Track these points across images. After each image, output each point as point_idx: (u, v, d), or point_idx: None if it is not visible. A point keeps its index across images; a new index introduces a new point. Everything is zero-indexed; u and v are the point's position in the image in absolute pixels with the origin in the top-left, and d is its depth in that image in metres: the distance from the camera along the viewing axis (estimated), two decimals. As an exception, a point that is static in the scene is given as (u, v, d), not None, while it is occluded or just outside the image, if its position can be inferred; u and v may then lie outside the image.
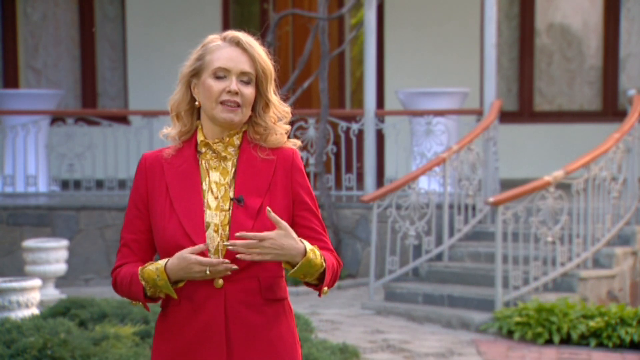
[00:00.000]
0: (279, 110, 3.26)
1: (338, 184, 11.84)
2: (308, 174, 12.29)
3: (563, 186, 9.45)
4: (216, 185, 3.21)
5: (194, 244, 3.11)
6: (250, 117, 3.23)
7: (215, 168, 3.23)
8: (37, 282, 7.57)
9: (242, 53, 3.20)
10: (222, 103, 3.17)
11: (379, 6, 11.90)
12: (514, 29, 14.25)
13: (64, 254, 9.89)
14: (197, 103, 3.23)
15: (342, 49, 12.41)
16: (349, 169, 11.97)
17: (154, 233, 3.22)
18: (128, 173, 11.76)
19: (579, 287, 9.35)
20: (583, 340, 8.50)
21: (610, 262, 9.64)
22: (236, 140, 3.23)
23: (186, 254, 3.06)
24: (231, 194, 3.19)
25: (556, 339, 8.48)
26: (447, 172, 10.23)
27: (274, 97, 3.24)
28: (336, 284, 10.74)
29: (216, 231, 3.15)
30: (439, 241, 10.36)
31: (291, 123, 3.31)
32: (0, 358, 6.16)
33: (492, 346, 8.46)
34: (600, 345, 8.43)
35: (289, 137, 3.30)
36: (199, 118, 3.26)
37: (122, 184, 11.97)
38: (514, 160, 13.52)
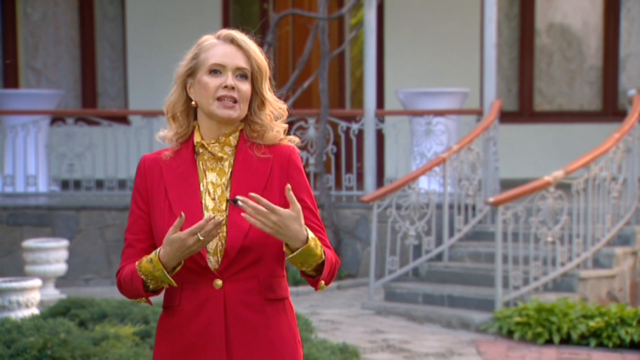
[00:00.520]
0: (275, 107, 3.26)
1: (338, 184, 11.84)
2: (308, 174, 12.23)
3: (563, 186, 9.45)
4: (213, 186, 3.21)
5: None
6: (247, 115, 3.23)
7: (212, 169, 3.23)
8: (37, 282, 7.57)
9: (236, 49, 3.20)
10: (219, 99, 3.17)
11: (379, 6, 11.91)
12: (514, 29, 14.25)
13: (64, 254, 9.89)
14: (193, 103, 3.23)
15: (342, 49, 12.42)
16: (349, 169, 11.98)
17: (155, 234, 3.22)
18: (128, 173, 11.76)
19: (579, 287, 9.35)
20: (583, 340, 8.50)
21: (610, 262, 9.65)
22: (233, 140, 3.23)
23: (173, 235, 3.04)
24: (228, 195, 3.19)
25: (556, 339, 8.48)
26: (447, 172, 10.23)
27: (269, 94, 3.24)
28: (336, 284, 10.81)
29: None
30: (439, 241, 10.36)
31: (291, 123, 3.32)
32: (0, 358, 6.16)
33: (492, 346, 8.46)
34: (600, 345, 8.43)
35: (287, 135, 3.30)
36: (195, 119, 3.26)
37: (122, 184, 11.97)
38: (514, 160, 13.52)
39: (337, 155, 11.79)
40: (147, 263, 3.12)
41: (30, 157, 12.09)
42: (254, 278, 3.17)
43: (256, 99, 3.23)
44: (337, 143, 11.80)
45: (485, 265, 9.91)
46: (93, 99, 14.50)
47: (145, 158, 3.29)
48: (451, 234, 10.31)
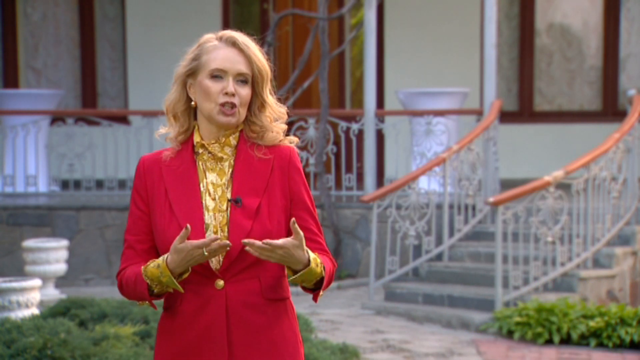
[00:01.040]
0: (275, 110, 3.25)
1: (338, 184, 11.84)
2: (308, 174, 12.24)
3: (563, 186, 9.45)
4: (213, 186, 3.21)
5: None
6: (246, 116, 3.23)
7: (212, 169, 3.22)
8: (37, 282, 7.57)
9: (238, 53, 3.19)
10: (220, 105, 3.16)
11: (379, 6, 11.90)
12: (514, 29, 14.25)
13: (64, 254, 9.89)
14: (193, 103, 3.23)
15: (342, 49, 12.41)
16: (349, 169, 11.97)
17: (155, 235, 3.22)
18: (128, 173, 11.76)
19: (579, 287, 9.35)
20: (583, 340, 8.50)
21: (610, 262, 9.65)
22: (232, 140, 3.23)
23: (180, 245, 3.05)
24: (228, 195, 3.18)
25: (556, 339, 8.48)
26: (447, 172, 10.23)
27: (269, 97, 3.24)
28: (336, 284, 10.81)
29: (215, 232, 3.15)
30: (439, 241, 10.36)
31: (291, 123, 3.32)
32: (0, 358, 6.16)
33: (492, 346, 8.46)
34: (600, 345, 8.43)
35: (287, 137, 3.30)
36: (195, 118, 3.26)
37: (122, 184, 11.97)
38: (514, 160, 13.52)
39: (337, 155, 11.78)
40: (154, 268, 3.12)
41: (30, 157, 12.09)
42: (255, 278, 3.17)
43: (256, 101, 3.23)
44: (337, 143, 11.80)
45: (485, 265, 9.91)
46: (93, 99, 14.49)
47: (144, 159, 3.29)
48: (451, 234, 10.31)
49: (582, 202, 9.57)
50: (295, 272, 3.12)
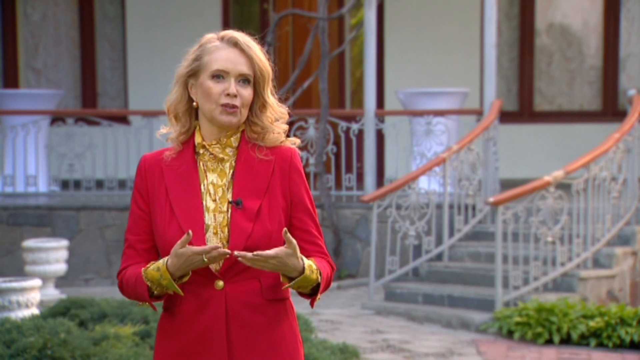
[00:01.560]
0: (276, 111, 3.25)
1: (338, 184, 11.84)
2: (308, 174, 12.23)
3: (563, 186, 9.45)
4: (213, 187, 3.20)
5: (193, 245, 3.10)
6: (248, 116, 3.23)
7: (212, 170, 3.22)
8: (37, 282, 7.57)
9: (240, 54, 3.18)
10: (221, 106, 3.16)
11: (379, 6, 11.90)
12: (514, 29, 14.25)
13: (64, 254, 9.89)
14: (194, 104, 3.22)
15: (342, 49, 12.41)
16: (349, 169, 11.97)
17: (155, 235, 3.22)
18: (128, 173, 11.76)
19: (579, 287, 9.35)
20: (583, 340, 8.50)
21: (610, 262, 9.65)
22: (234, 141, 3.23)
23: (180, 250, 3.05)
24: (229, 196, 3.18)
25: (556, 339, 8.48)
26: (447, 172, 10.23)
27: (271, 98, 3.23)
28: (336, 284, 10.80)
29: (215, 233, 3.15)
30: (439, 241, 10.36)
31: (291, 123, 3.32)
32: (0, 358, 6.16)
33: (492, 346, 8.46)
34: (600, 345, 8.43)
35: (287, 137, 3.30)
36: (196, 118, 3.25)
37: (122, 184, 11.97)
38: (514, 160, 13.52)
39: (337, 155, 11.78)
40: (154, 271, 3.12)
41: (30, 157, 12.09)
42: (255, 279, 3.16)
43: (258, 102, 3.22)
44: (337, 143, 11.80)
45: (485, 265, 9.91)
46: (93, 99, 14.50)
47: (145, 158, 3.28)
48: (451, 234, 10.31)
49: (582, 202, 9.57)
50: (290, 279, 3.12)
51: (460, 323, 9.10)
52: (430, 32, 13.92)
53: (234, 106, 3.16)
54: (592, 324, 8.44)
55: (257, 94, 3.21)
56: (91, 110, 13.78)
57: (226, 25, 13.95)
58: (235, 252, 3.05)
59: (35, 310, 7.45)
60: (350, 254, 11.36)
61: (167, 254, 3.15)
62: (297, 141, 3.29)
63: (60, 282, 10.48)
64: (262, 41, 3.28)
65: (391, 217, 10.12)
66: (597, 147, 9.71)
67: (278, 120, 3.26)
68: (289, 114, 3.30)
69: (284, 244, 3.10)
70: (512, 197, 9.23)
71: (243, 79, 3.18)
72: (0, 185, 12.20)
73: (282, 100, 3.31)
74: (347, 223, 11.37)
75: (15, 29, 14.42)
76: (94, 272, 11.44)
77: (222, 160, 3.22)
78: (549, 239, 9.30)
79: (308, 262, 3.12)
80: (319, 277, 3.15)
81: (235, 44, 3.19)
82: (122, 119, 13.18)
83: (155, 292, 3.16)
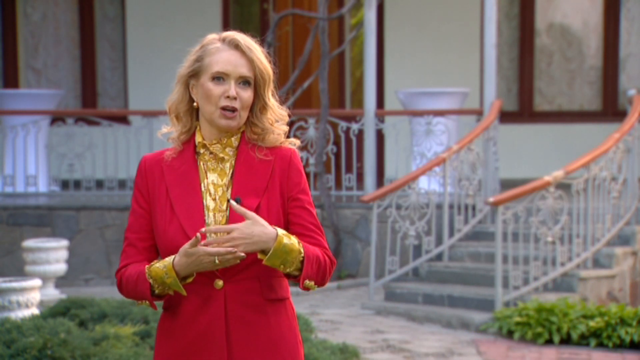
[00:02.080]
0: (277, 113, 3.25)
1: (338, 184, 11.84)
2: (308, 174, 12.21)
3: (563, 186, 9.45)
4: (214, 186, 3.21)
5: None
6: (248, 117, 3.23)
7: (213, 169, 3.23)
8: (37, 282, 7.57)
9: (240, 56, 3.18)
10: (221, 108, 3.16)
11: (379, 6, 11.90)
12: (514, 29, 14.25)
13: (64, 254, 9.89)
14: (195, 104, 3.23)
15: (342, 49, 12.41)
16: (349, 169, 11.97)
17: (155, 235, 3.22)
18: (128, 173, 11.76)
19: (579, 287, 9.35)
20: (583, 340, 8.50)
21: (610, 262, 9.65)
22: (234, 141, 3.23)
23: (190, 249, 3.04)
24: (228, 195, 3.19)
25: (556, 339, 8.48)
26: (447, 172, 10.23)
27: (271, 100, 3.24)
28: (336, 284, 10.80)
29: (215, 232, 3.15)
30: (439, 241, 10.36)
31: (291, 123, 3.32)
32: (0, 358, 6.16)
33: (492, 346, 8.46)
34: (600, 345, 8.43)
35: (288, 138, 3.30)
36: (197, 118, 3.26)
37: (122, 184, 11.97)
38: (514, 160, 13.52)
39: (337, 155, 11.78)
40: (160, 269, 3.12)
41: (30, 157, 12.09)
42: (255, 278, 3.17)
43: (258, 104, 3.23)
44: (337, 143, 11.80)
45: (485, 265, 9.91)
46: (93, 99, 14.50)
47: (146, 158, 3.29)
48: (451, 234, 10.31)
49: (582, 202, 9.57)
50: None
51: (460, 323, 9.10)
52: (430, 32, 13.92)
53: (233, 109, 3.16)
54: (592, 324, 8.44)
55: (258, 95, 3.22)
56: (91, 110, 13.78)
57: (226, 25, 13.95)
58: (238, 197, 3.08)
59: (35, 310, 7.45)
60: (350, 254, 11.36)
61: (167, 253, 3.16)
62: (297, 142, 3.29)
63: (60, 282, 10.48)
64: (262, 41, 3.29)
65: (391, 217, 10.12)
66: (597, 147, 9.71)
67: (278, 122, 3.26)
68: (289, 115, 3.30)
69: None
70: (512, 197, 9.23)
71: (243, 81, 3.18)
72: (0, 185, 12.20)
73: (282, 100, 3.32)
74: (347, 223, 11.37)
75: (15, 29, 14.42)
76: (94, 272, 11.44)
77: (222, 159, 3.22)
78: (549, 239, 9.30)
79: (283, 231, 3.09)
80: (302, 249, 3.11)
81: (236, 45, 3.19)
82: (122, 119, 13.18)
83: (157, 290, 3.16)
